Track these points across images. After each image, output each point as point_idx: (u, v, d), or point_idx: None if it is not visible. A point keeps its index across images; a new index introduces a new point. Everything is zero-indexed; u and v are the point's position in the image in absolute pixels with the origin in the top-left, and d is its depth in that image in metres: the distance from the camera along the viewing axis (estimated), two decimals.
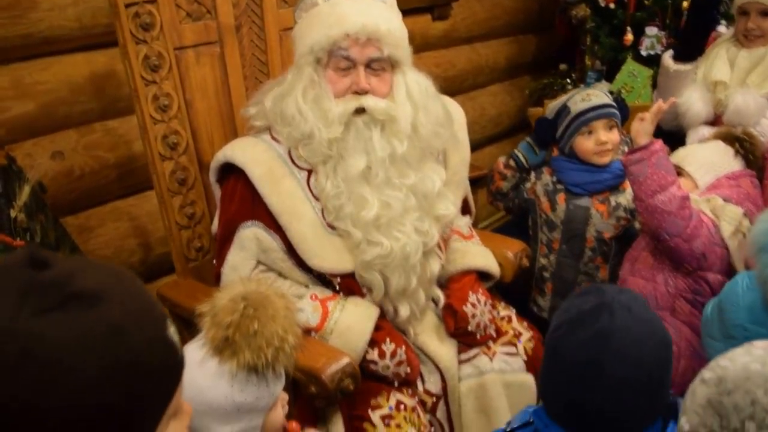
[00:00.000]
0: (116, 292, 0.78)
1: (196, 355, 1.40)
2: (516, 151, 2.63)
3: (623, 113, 2.49)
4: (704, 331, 1.86)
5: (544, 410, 1.44)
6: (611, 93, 2.75)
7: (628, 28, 3.53)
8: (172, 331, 0.87)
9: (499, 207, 2.80)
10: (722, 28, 3.20)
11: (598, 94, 2.50)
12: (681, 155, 2.40)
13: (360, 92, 1.93)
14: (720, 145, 2.36)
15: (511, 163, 2.63)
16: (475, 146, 3.97)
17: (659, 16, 3.52)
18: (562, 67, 3.89)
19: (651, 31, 3.44)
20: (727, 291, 1.79)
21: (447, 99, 2.22)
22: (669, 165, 2.10)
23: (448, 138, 2.13)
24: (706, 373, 1.05)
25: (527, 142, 2.62)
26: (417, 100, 2.00)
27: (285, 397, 1.53)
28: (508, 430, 1.51)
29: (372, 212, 1.93)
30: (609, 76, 3.58)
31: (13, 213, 2.20)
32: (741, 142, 2.33)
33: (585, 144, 2.47)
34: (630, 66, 3.42)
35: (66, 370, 0.72)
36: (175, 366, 0.87)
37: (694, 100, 2.78)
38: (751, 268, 1.84)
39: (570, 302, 1.42)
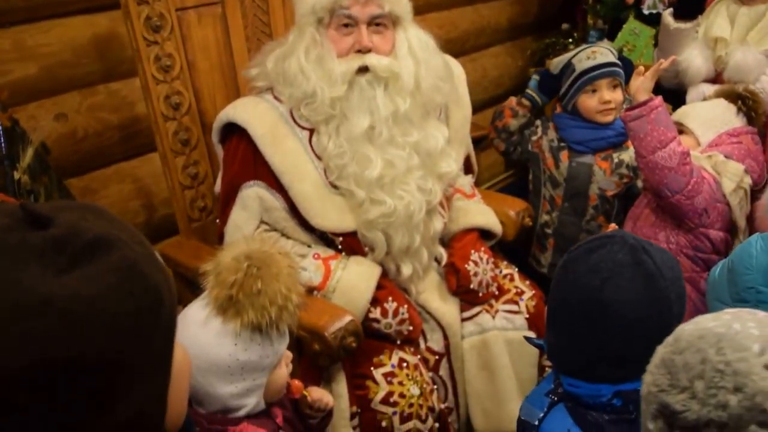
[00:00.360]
0: (119, 233, 0.81)
1: (200, 314, 1.42)
2: (529, 90, 2.64)
3: (628, 72, 2.48)
4: (712, 295, 1.83)
5: (572, 377, 1.39)
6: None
7: None
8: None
9: (500, 148, 2.78)
10: None
11: (603, 52, 2.50)
12: (683, 112, 2.40)
13: (363, 51, 1.93)
14: (722, 102, 2.36)
15: (525, 102, 2.64)
16: (476, 107, 3.95)
17: None
18: (564, 26, 3.86)
19: None
20: (740, 253, 1.74)
21: (447, 57, 2.22)
22: (669, 121, 2.10)
23: (449, 92, 2.13)
24: (670, 337, 1.04)
25: (536, 80, 2.61)
26: (419, 56, 2.01)
27: (289, 355, 1.55)
28: (536, 424, 1.45)
29: (375, 172, 1.94)
30: (611, 35, 3.54)
31: (17, 175, 2.21)
32: (743, 100, 2.34)
33: (588, 102, 2.48)
34: (632, 24, 3.39)
35: (101, 321, 0.75)
36: (174, 292, 0.89)
37: (693, 57, 2.77)
38: (762, 229, 1.84)
39: (590, 260, 1.36)
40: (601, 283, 1.32)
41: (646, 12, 3.36)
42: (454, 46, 3.68)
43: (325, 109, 1.93)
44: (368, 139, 1.95)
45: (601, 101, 2.46)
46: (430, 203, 2.06)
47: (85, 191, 2.52)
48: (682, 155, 2.07)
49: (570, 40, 3.73)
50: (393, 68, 1.95)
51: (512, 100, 2.67)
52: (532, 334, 2.14)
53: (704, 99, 2.47)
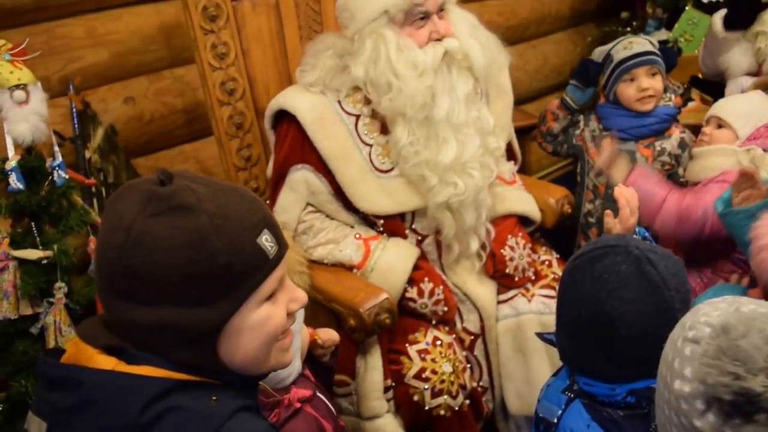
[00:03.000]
0: (211, 206, 1.05)
1: None
2: (564, 95, 2.68)
3: (671, 61, 2.52)
4: None
5: (587, 377, 1.43)
6: (666, 42, 2.74)
7: None
8: (265, 238, 1.10)
9: (548, 150, 2.82)
10: None
11: (640, 42, 2.53)
12: (719, 106, 2.39)
13: (439, 38, 2.01)
14: (760, 95, 2.34)
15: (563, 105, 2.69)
16: (536, 95, 3.98)
17: None
18: (624, 15, 3.84)
19: None
20: None
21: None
22: (650, 188, 2.12)
23: (502, 59, 2.20)
24: (690, 332, 1.04)
25: (571, 83, 2.66)
26: (471, 33, 2.09)
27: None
28: (555, 421, 1.49)
29: (449, 157, 2.02)
30: (669, 24, 3.52)
31: (87, 154, 2.38)
32: None
33: (627, 91, 2.53)
34: (690, 14, 3.35)
35: (158, 256, 1.01)
36: (261, 264, 1.10)
37: (733, 53, 2.73)
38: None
39: (595, 270, 1.38)
40: (606, 295, 1.35)
41: (705, 0, 3.32)
42: (514, 33, 3.70)
43: (420, 101, 1.99)
44: (447, 121, 2.03)
45: (639, 89, 2.50)
46: (490, 178, 2.15)
47: (151, 170, 2.66)
48: (677, 214, 2.09)
49: (629, 28, 3.70)
50: (464, 49, 2.04)
51: (553, 104, 2.72)
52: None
53: (742, 91, 2.44)
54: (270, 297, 1.13)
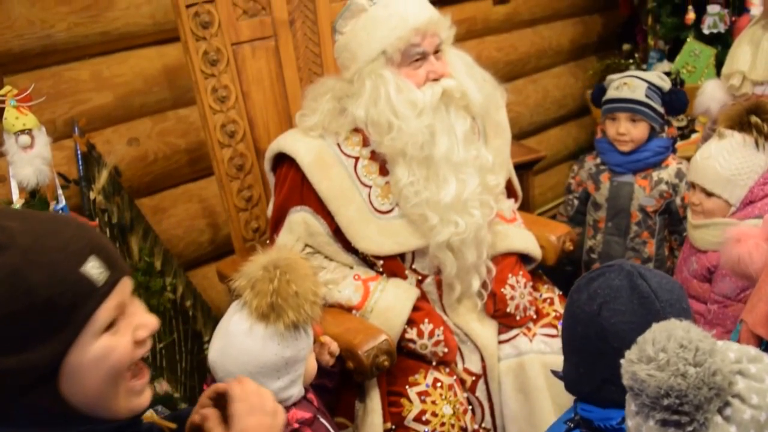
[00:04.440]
0: (25, 240, 0.99)
1: (243, 325, 1.57)
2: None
3: (676, 106, 2.59)
4: None
5: (586, 402, 1.44)
6: (669, 74, 2.78)
7: (690, 7, 3.47)
8: (90, 265, 1.04)
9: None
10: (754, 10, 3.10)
11: (634, 86, 2.58)
12: (701, 173, 2.21)
13: (437, 78, 2.04)
14: (736, 142, 2.16)
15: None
16: (538, 129, 4.00)
17: None
18: (626, 47, 3.87)
19: (713, 9, 3.36)
20: None
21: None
22: None
23: (498, 97, 2.23)
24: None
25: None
26: (468, 72, 2.11)
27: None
28: None
29: (449, 196, 2.03)
30: (671, 55, 3.54)
31: (92, 195, 2.41)
32: (758, 129, 2.13)
33: (610, 129, 2.65)
34: (692, 45, 3.37)
35: None
36: (90, 292, 1.03)
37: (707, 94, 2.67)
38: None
39: (590, 288, 1.41)
40: (598, 309, 1.39)
41: (706, 32, 3.34)
42: (515, 69, 3.72)
43: (420, 140, 2.00)
44: (447, 160, 2.04)
45: (616, 131, 2.60)
46: (490, 216, 2.16)
47: (155, 210, 2.71)
48: None
49: (631, 60, 3.73)
50: (461, 88, 2.06)
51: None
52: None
53: (713, 128, 2.28)
54: (110, 327, 1.06)
